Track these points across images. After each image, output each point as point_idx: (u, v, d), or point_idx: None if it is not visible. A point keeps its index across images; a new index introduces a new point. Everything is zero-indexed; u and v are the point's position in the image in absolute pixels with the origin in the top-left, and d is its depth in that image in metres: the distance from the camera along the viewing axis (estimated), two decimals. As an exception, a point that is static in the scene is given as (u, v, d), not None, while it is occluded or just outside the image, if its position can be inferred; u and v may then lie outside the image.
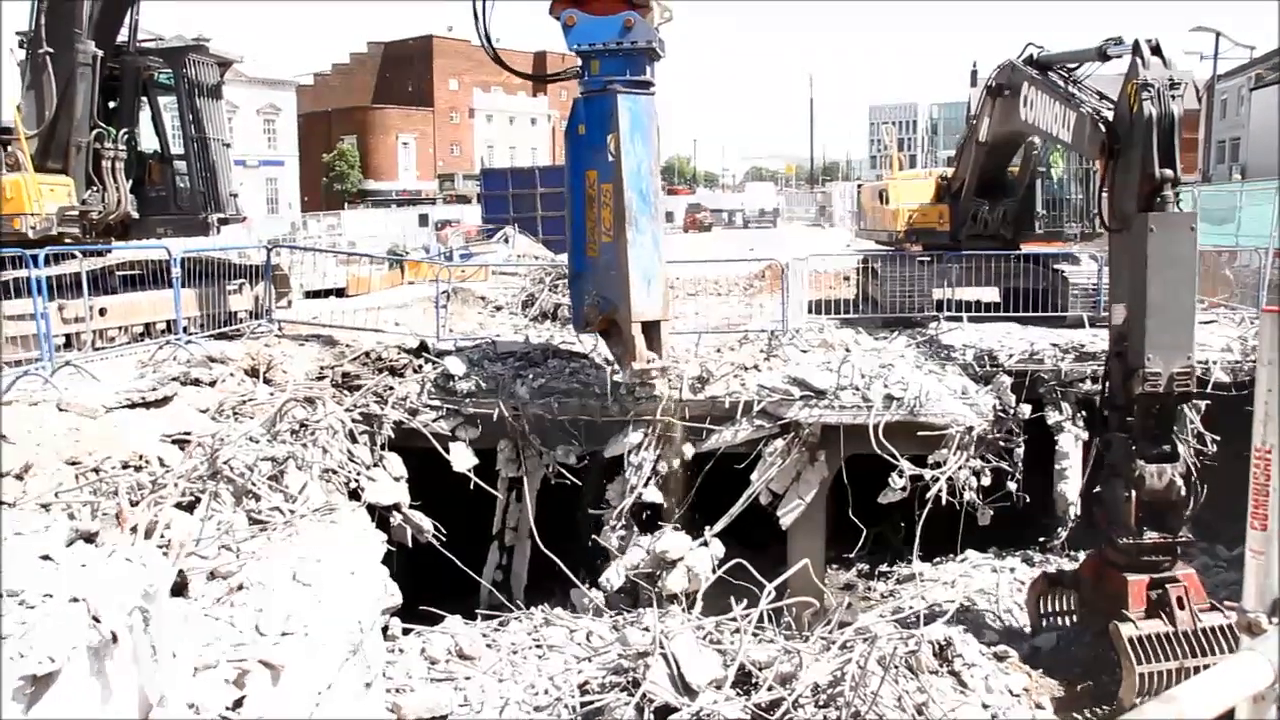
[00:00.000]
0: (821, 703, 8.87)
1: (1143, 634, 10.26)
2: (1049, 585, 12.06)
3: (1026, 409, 14.62)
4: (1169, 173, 10.16)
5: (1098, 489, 11.30)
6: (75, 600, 5.28)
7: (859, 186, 34.77)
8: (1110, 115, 11.16)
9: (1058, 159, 18.43)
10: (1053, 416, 15.13)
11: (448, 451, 13.83)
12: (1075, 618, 11.82)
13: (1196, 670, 10.17)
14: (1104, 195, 11.28)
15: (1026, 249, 18.88)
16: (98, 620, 5.21)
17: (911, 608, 12.32)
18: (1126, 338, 10.57)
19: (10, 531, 6.75)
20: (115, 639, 5.29)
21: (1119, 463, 10.71)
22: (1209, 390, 14.06)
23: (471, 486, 13.83)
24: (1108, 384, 11.24)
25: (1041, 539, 15.05)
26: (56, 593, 5.36)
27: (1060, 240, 19.09)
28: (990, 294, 19.19)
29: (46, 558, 5.92)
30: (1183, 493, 10.46)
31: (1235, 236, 25.16)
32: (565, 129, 13.42)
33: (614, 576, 13.34)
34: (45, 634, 4.89)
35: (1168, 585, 10.38)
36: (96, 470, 9.57)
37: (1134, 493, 10.41)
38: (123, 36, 15.75)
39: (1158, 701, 2.44)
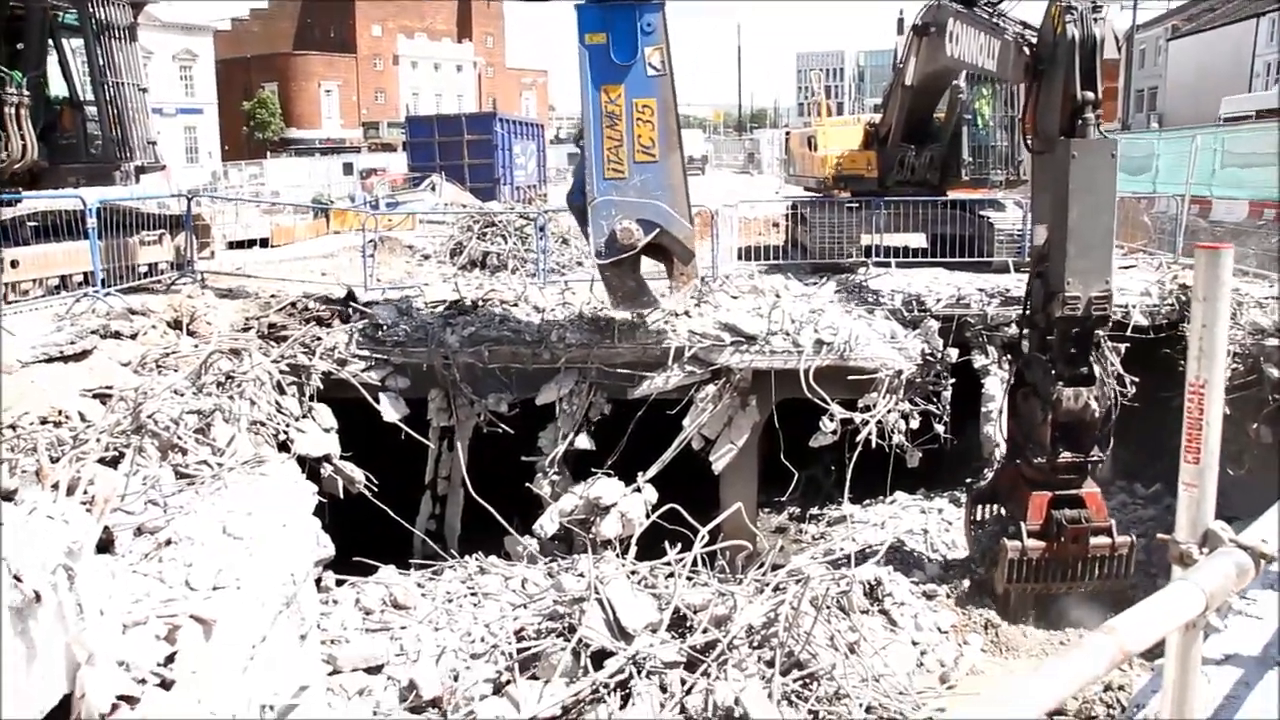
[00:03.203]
0: (756, 644, 9.00)
1: (1025, 557, 10.80)
2: (975, 500, 12.33)
3: (954, 353, 14.82)
4: (1090, 95, 10.22)
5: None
6: (-5, 559, 5.14)
7: (787, 133, 34.73)
8: (1034, 39, 11.22)
9: (984, 106, 18.56)
10: (979, 360, 15.37)
11: (377, 402, 13.67)
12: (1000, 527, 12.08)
13: (1065, 593, 11.00)
14: (1028, 123, 11.35)
15: (953, 195, 19.07)
16: (19, 580, 5.08)
17: (842, 549, 12.53)
18: (1047, 259, 10.69)
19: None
20: (39, 598, 5.17)
21: (1037, 383, 10.90)
22: (1128, 333, 14.37)
23: (402, 436, 13.71)
24: (1028, 304, 11.36)
25: (969, 480, 15.33)
26: (-25, 551, 5.21)
27: (985, 187, 19.28)
28: (918, 240, 19.39)
29: (-36, 516, 5.75)
30: (1097, 415, 10.67)
31: (1153, 184, 25.70)
32: (577, 37, 12.53)
33: (548, 523, 13.35)
34: (-35, 593, 4.76)
35: (1067, 515, 10.75)
36: (13, 427, 9.30)
37: (1050, 413, 10.60)
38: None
39: (1098, 633, 2.49)
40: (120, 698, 5.42)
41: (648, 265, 13.84)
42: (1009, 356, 12.81)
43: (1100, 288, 10.37)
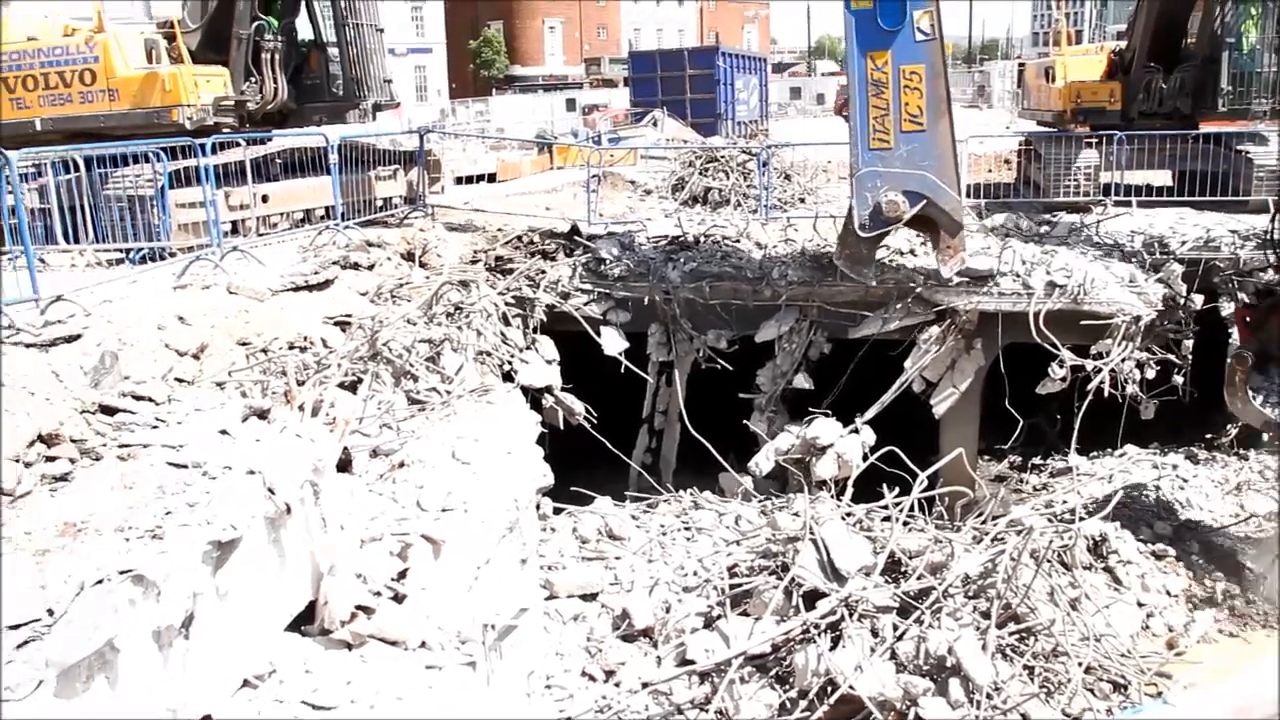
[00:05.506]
0: (972, 593, 8.80)
1: None
2: (1244, 361, 10.70)
3: (1199, 299, 13.91)
4: None
5: None
6: (252, 473, 5.54)
7: (1022, 65, 33.06)
8: None
9: (1250, 27, 17.01)
10: (1227, 308, 14.34)
11: (599, 335, 13.95)
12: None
13: None
14: None
15: (1205, 128, 17.71)
16: (273, 492, 5.46)
17: (1066, 502, 12.03)
18: None
19: (191, 407, 7.11)
20: (289, 510, 5.55)
21: None
22: None
23: (622, 370, 13.95)
24: None
25: (1209, 435, 14.43)
26: (235, 465, 5.63)
27: (1246, 118, 17.74)
28: (1162, 177, 18.17)
29: (224, 432, 6.21)
30: None
31: None
32: (843, 3, 12.37)
33: (763, 461, 13.37)
34: (227, 503, 5.15)
35: None
36: (265, 351, 9.93)
37: None
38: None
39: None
40: (358, 607, 5.78)
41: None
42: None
43: None
